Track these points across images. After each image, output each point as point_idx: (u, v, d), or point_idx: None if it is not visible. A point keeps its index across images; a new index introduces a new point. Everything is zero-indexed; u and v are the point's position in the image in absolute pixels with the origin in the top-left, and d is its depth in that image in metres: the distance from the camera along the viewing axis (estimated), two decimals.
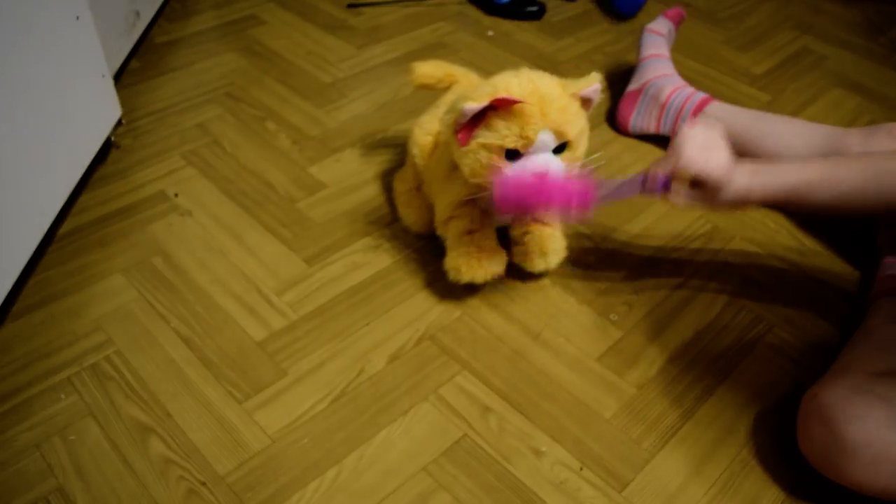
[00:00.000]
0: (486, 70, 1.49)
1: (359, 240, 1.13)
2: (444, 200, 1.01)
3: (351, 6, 1.73)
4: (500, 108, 0.86)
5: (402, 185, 1.15)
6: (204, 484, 0.82)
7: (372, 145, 1.31)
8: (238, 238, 1.12)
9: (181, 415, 0.89)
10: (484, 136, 0.87)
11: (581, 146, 0.92)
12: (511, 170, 0.88)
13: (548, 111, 0.86)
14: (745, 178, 0.88)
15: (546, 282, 1.08)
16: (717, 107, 1.25)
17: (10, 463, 0.83)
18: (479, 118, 0.87)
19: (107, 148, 1.26)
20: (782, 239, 1.18)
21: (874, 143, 1.04)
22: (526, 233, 1.03)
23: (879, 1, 1.91)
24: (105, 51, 1.18)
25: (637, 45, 1.41)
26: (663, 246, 1.15)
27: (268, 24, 1.65)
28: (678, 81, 1.32)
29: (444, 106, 1.07)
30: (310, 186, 1.22)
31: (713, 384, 0.96)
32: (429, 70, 1.13)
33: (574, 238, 1.14)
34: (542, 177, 0.88)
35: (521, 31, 1.68)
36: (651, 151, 1.33)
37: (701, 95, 1.27)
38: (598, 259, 1.12)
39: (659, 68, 1.34)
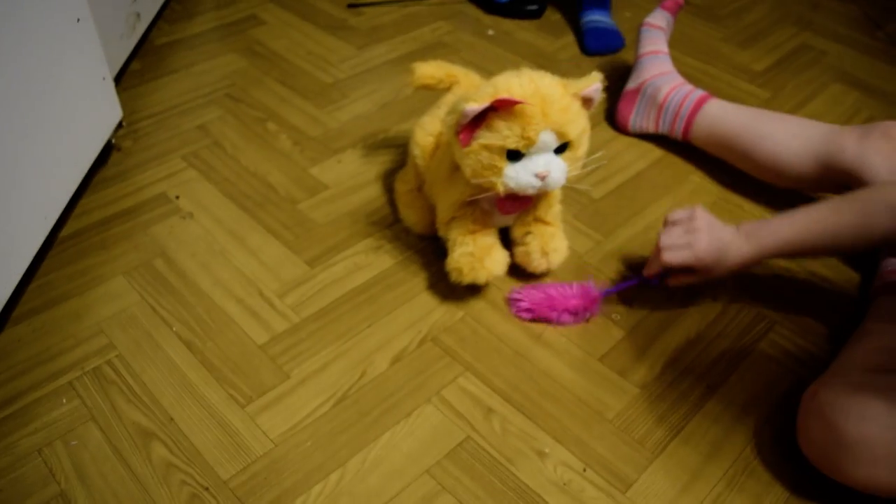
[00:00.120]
0: (487, 69, 1.49)
1: (361, 241, 1.13)
2: (446, 201, 1.01)
3: (351, 6, 1.73)
4: (501, 108, 0.86)
5: (403, 185, 1.15)
6: (207, 489, 0.82)
7: (373, 146, 1.31)
8: (239, 240, 1.12)
9: (183, 419, 0.89)
10: (485, 137, 0.87)
11: (583, 146, 0.92)
12: (513, 171, 0.88)
13: (549, 111, 0.86)
14: (739, 246, 0.94)
15: (548, 281, 1.07)
16: (714, 105, 1.24)
17: (12, 468, 0.83)
18: (481, 119, 0.87)
19: (108, 150, 1.26)
20: None
21: (869, 143, 1.04)
22: (527, 233, 1.03)
23: None
24: (106, 53, 1.18)
25: (635, 41, 1.40)
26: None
27: (268, 25, 1.65)
28: (676, 79, 1.31)
29: (445, 106, 1.07)
30: (311, 187, 1.22)
31: (716, 383, 0.96)
32: (430, 70, 1.13)
33: (576, 238, 1.14)
34: (552, 291, 1.02)
35: (521, 29, 1.68)
36: (651, 150, 1.33)
37: (698, 94, 1.27)
38: (599, 260, 1.12)
39: (657, 66, 1.34)
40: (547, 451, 0.88)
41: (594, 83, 0.89)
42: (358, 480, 0.84)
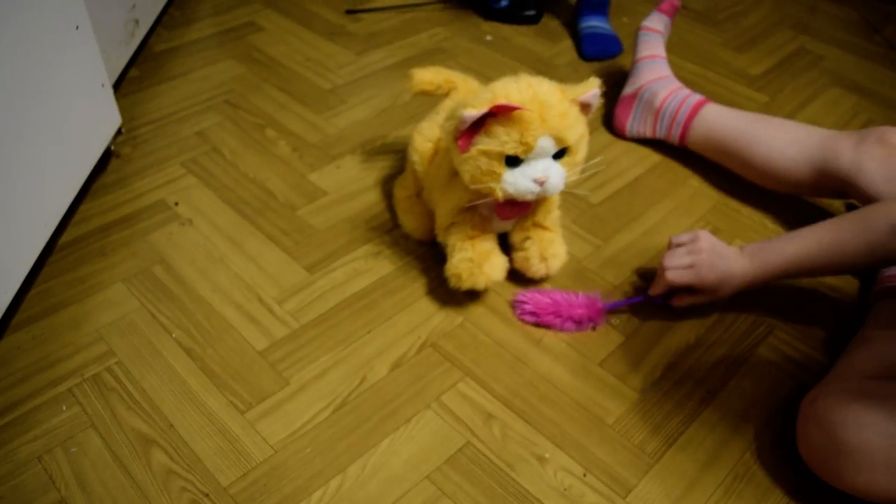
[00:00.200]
0: (485, 75, 1.49)
1: (360, 247, 1.13)
2: (445, 207, 1.01)
3: (349, 12, 1.73)
4: (499, 114, 0.86)
5: (401, 191, 1.15)
6: (207, 495, 0.82)
7: (372, 152, 1.31)
8: (239, 246, 1.12)
9: (183, 425, 0.89)
10: (484, 143, 0.87)
11: (581, 151, 0.92)
12: (512, 177, 0.89)
13: (547, 117, 0.86)
14: (741, 269, 0.96)
15: (547, 287, 1.07)
16: (711, 110, 1.25)
17: (12, 476, 0.83)
18: (479, 125, 0.87)
19: (107, 157, 1.26)
20: None
21: (864, 149, 1.04)
22: (526, 238, 1.04)
23: None
24: (104, 60, 1.18)
25: (633, 45, 1.40)
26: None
27: (266, 31, 1.65)
28: (673, 84, 1.31)
29: (443, 112, 1.07)
30: (310, 193, 1.22)
31: (715, 388, 0.96)
32: (428, 76, 1.13)
33: (575, 243, 1.14)
34: (557, 298, 1.02)
35: (518, 35, 1.68)
36: (649, 155, 1.33)
37: (695, 98, 1.27)
38: (598, 264, 1.12)
39: (654, 70, 1.34)
40: (547, 456, 0.88)
41: (592, 89, 0.90)
42: (358, 486, 0.84)
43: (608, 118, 1.41)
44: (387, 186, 1.24)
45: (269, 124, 1.37)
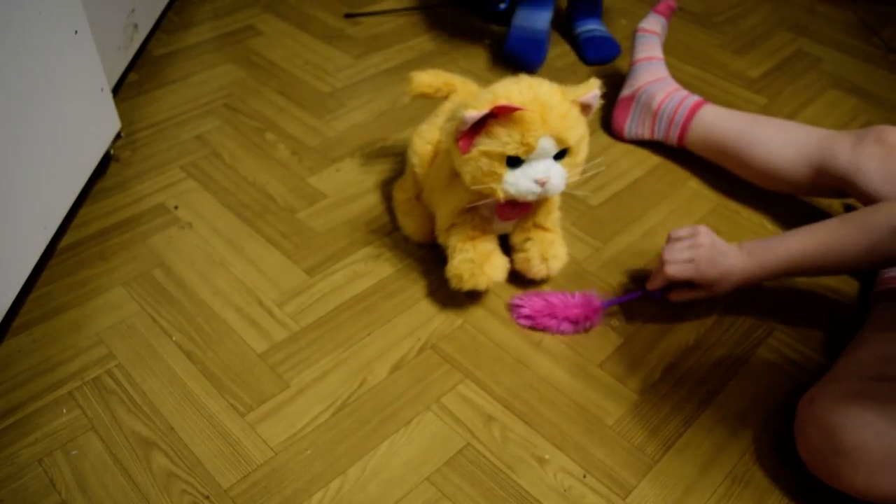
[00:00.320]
0: (485, 78, 1.50)
1: (360, 249, 1.13)
2: (445, 208, 1.01)
3: (348, 16, 1.74)
4: (500, 115, 0.86)
5: (401, 194, 1.15)
6: (207, 498, 0.82)
7: (371, 154, 1.32)
8: (238, 250, 1.12)
9: (184, 428, 0.89)
10: (485, 144, 0.88)
11: (582, 152, 0.93)
12: (513, 177, 0.89)
13: (548, 118, 0.87)
14: (741, 265, 0.95)
15: (547, 289, 1.08)
16: (709, 111, 1.25)
17: (13, 479, 0.83)
18: (480, 126, 0.87)
19: (106, 161, 1.26)
20: None
21: (862, 148, 1.04)
22: (527, 239, 1.04)
23: (872, 1, 1.91)
24: (104, 64, 1.19)
25: (630, 47, 1.40)
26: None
27: (265, 35, 1.65)
28: (670, 85, 1.32)
29: (442, 115, 1.08)
30: (310, 197, 1.22)
31: (715, 389, 0.96)
32: (427, 79, 1.13)
33: (574, 245, 1.15)
34: (554, 300, 1.02)
35: None
36: (648, 157, 1.34)
37: (693, 100, 1.27)
38: (597, 266, 1.12)
39: (651, 72, 1.34)
40: (547, 457, 0.88)
41: (592, 90, 0.90)
42: (358, 488, 0.84)
43: (606, 120, 1.41)
44: (386, 189, 1.24)
45: (269, 128, 1.37)
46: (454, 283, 1.00)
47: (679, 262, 0.97)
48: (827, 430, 0.78)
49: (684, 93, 1.29)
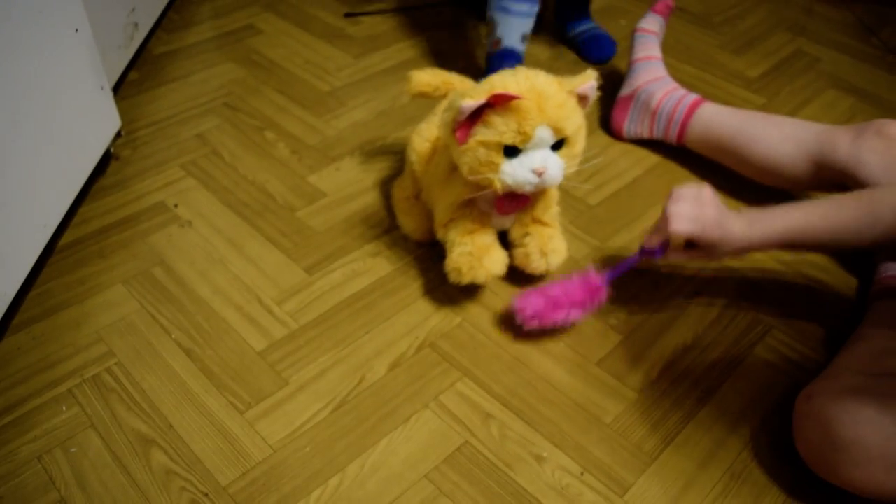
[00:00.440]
0: (483, 77, 1.50)
1: (359, 248, 1.13)
2: (444, 202, 1.01)
3: (348, 15, 1.74)
4: (497, 104, 0.86)
5: (400, 192, 1.15)
6: (206, 495, 0.83)
7: (371, 153, 1.32)
8: (238, 248, 1.13)
9: (183, 426, 0.89)
10: (482, 134, 0.88)
11: (579, 143, 0.92)
12: (511, 167, 0.88)
13: (545, 107, 0.87)
14: (742, 230, 0.92)
15: (547, 283, 1.08)
16: (708, 109, 1.25)
17: (12, 476, 0.84)
18: (477, 116, 0.87)
19: (106, 159, 1.27)
20: None
21: (863, 142, 1.04)
22: (526, 234, 1.04)
23: (870, 2, 1.92)
24: (104, 63, 1.19)
25: (629, 47, 1.41)
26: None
27: (265, 34, 1.65)
28: (669, 84, 1.32)
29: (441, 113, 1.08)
30: (309, 195, 1.23)
31: (713, 387, 0.96)
32: (426, 78, 1.14)
33: (573, 244, 1.15)
34: (555, 292, 0.97)
35: None
36: (647, 156, 1.34)
37: (691, 98, 1.28)
38: (596, 265, 1.13)
39: (650, 71, 1.35)
40: (545, 455, 0.88)
41: (589, 81, 0.90)
42: (357, 486, 0.84)
43: (605, 119, 1.42)
44: (385, 188, 1.24)
45: (269, 126, 1.38)
46: (453, 277, 1.00)
47: (684, 217, 0.92)
48: (825, 426, 0.79)
49: (683, 91, 1.30)
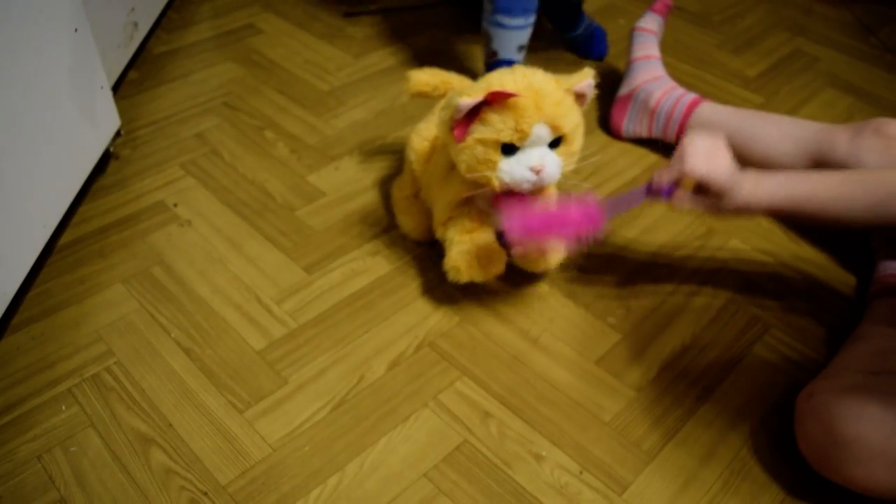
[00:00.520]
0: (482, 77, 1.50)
1: (358, 247, 1.13)
2: (443, 201, 1.01)
3: (348, 15, 1.74)
4: (494, 102, 0.86)
5: (399, 192, 1.15)
6: (206, 494, 0.83)
7: (370, 153, 1.32)
8: (237, 247, 1.13)
9: (182, 425, 0.89)
10: (479, 131, 0.88)
11: (577, 141, 0.92)
12: (508, 165, 0.88)
13: (542, 104, 0.87)
14: (750, 186, 0.90)
15: (544, 287, 1.08)
16: (706, 108, 1.25)
17: (12, 475, 0.84)
18: (475, 114, 0.87)
19: (106, 159, 1.27)
20: (779, 240, 1.18)
21: (861, 141, 1.05)
22: None
23: (869, 1, 1.92)
24: (104, 62, 1.19)
25: (628, 46, 1.41)
26: (660, 249, 1.16)
27: (265, 34, 1.66)
28: (667, 84, 1.32)
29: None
30: (309, 194, 1.23)
31: (711, 385, 0.97)
32: (425, 78, 1.14)
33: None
34: (548, 208, 0.91)
35: None
36: (645, 155, 1.34)
37: (690, 97, 1.28)
38: (595, 263, 1.13)
39: (648, 71, 1.35)
40: (544, 454, 0.88)
41: (587, 79, 0.90)
42: (356, 485, 0.84)
43: (604, 119, 1.42)
44: (385, 187, 1.24)
45: (268, 126, 1.38)
46: (452, 276, 1.00)
47: (701, 158, 0.89)
48: (827, 424, 0.79)
49: (681, 91, 1.30)
